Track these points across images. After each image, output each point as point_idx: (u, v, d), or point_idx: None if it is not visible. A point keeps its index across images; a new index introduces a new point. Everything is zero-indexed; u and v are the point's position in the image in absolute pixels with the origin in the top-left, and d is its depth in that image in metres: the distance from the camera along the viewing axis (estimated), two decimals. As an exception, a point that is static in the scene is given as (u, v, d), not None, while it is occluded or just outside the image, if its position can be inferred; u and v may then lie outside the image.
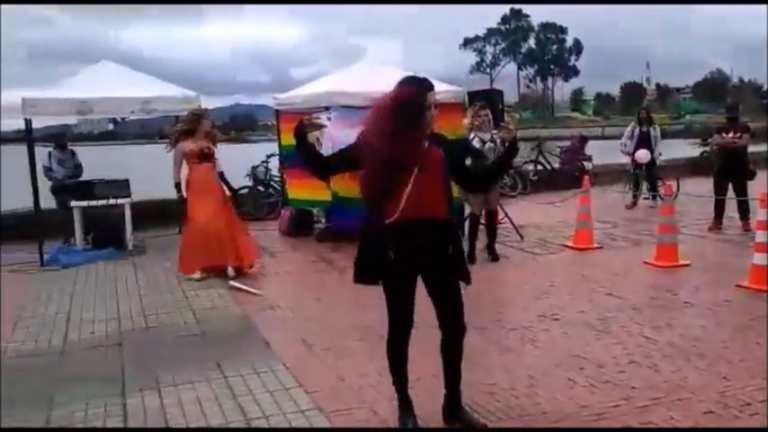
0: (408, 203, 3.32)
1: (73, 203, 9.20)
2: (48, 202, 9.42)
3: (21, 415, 3.99)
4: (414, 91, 3.36)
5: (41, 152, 9.35)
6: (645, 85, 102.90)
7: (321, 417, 3.86)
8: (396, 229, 3.35)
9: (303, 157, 3.64)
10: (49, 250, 8.76)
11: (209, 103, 9.47)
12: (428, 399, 3.78)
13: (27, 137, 8.74)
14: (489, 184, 3.76)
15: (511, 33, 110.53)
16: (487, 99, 9.48)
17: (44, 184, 9.60)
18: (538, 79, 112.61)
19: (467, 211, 8.40)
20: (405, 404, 3.65)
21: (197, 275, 7.34)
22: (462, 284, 3.58)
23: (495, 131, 7.96)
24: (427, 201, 3.37)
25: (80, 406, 4.09)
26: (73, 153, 10.10)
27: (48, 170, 9.66)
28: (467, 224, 8.17)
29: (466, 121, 7.98)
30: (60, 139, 10.15)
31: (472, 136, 7.81)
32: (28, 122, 8.56)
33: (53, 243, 9.17)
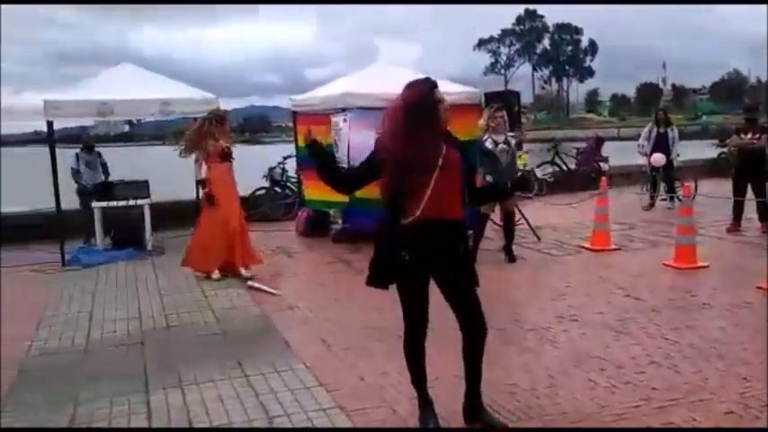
0: (429, 203, 3.37)
1: (93, 204, 9.33)
2: (70, 203, 9.52)
3: (46, 412, 4.05)
4: (423, 90, 3.44)
5: (63, 154, 9.46)
6: (661, 85, 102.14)
7: (342, 415, 3.89)
8: (412, 229, 3.39)
9: (329, 179, 3.67)
10: (70, 250, 8.87)
11: (224, 104, 9.52)
12: (448, 398, 3.81)
13: (49, 138, 8.85)
14: (483, 203, 3.78)
15: (525, 34, 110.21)
16: (504, 100, 9.49)
17: (71, 186, 9.74)
18: (553, 80, 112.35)
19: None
20: (425, 403, 3.69)
21: (216, 275, 7.41)
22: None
23: (510, 133, 7.98)
24: (446, 201, 3.42)
25: (104, 403, 4.16)
26: (99, 154, 10.23)
27: (76, 173, 9.80)
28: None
29: (481, 121, 7.97)
30: (87, 141, 10.26)
31: (485, 137, 7.81)
32: (50, 125, 8.66)
33: (75, 243, 9.28)
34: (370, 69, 10.64)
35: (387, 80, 9.31)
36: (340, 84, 10.16)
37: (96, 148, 10.35)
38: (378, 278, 3.53)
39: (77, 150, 10.07)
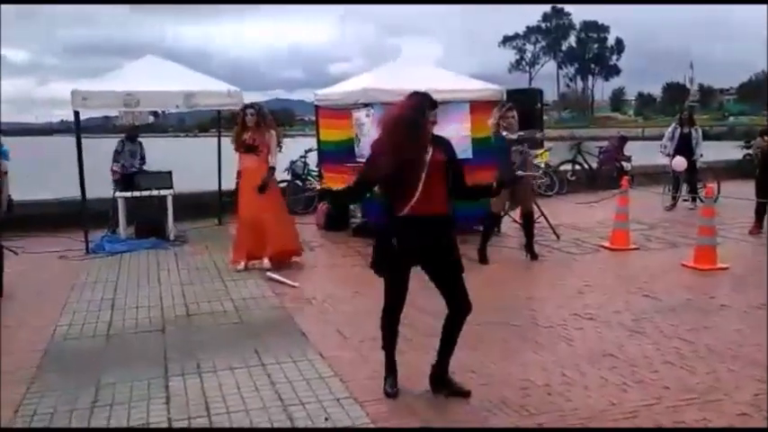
0: (418, 202, 3.80)
1: (117, 194, 9.49)
2: (96, 192, 9.67)
3: (69, 395, 4.16)
4: (416, 108, 3.82)
5: (88, 143, 9.61)
6: (688, 85, 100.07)
7: (356, 405, 3.96)
8: (403, 222, 3.84)
9: (350, 201, 4.48)
10: (94, 238, 9.04)
11: (248, 98, 9.60)
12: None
13: (76, 128, 9.00)
14: (474, 199, 4.13)
15: (551, 31, 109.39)
16: (527, 98, 9.49)
17: (98, 175, 9.90)
18: (578, 78, 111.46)
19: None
20: (390, 368, 4.16)
21: (241, 266, 7.53)
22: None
23: (521, 132, 7.95)
24: (433, 199, 3.83)
25: (125, 387, 4.26)
26: (140, 144, 10.39)
27: (117, 154, 10.01)
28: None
29: (491, 120, 7.95)
30: (131, 131, 10.42)
31: (504, 134, 7.80)
32: (77, 114, 8.82)
33: (99, 232, 9.46)
34: (392, 65, 10.67)
35: (409, 76, 9.39)
36: (362, 79, 10.21)
37: (139, 139, 10.51)
38: (378, 265, 3.99)
39: (122, 137, 10.26)
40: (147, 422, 3.79)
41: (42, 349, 5.02)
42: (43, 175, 15.64)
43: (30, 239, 9.13)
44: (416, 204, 3.80)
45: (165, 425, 3.75)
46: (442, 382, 4.09)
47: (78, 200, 9.17)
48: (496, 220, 8.31)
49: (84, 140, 8.90)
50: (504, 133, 7.72)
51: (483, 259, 7.71)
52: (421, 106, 3.83)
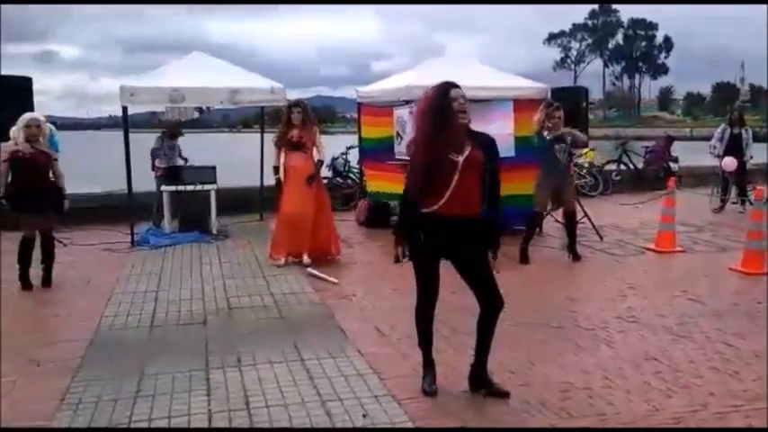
0: (449, 201, 3.75)
1: (163, 188, 9.66)
2: (141, 186, 9.86)
3: (113, 384, 4.25)
4: (436, 92, 3.79)
5: (134, 138, 9.80)
6: (738, 85, 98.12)
7: (393, 403, 3.95)
8: (431, 218, 3.79)
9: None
10: (139, 231, 9.22)
11: (291, 95, 9.68)
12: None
13: (124, 123, 9.19)
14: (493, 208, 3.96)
15: (598, 29, 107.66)
16: (571, 97, 9.36)
17: (144, 169, 10.09)
18: (624, 77, 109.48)
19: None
20: (428, 364, 4.15)
21: (281, 261, 7.60)
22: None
23: (561, 131, 7.84)
24: (465, 199, 3.76)
25: (167, 378, 4.33)
26: (179, 146, 10.53)
27: (156, 150, 10.17)
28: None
29: (536, 117, 7.85)
30: (172, 128, 10.60)
31: (546, 135, 7.70)
32: (125, 110, 9.00)
33: (144, 225, 9.66)
34: (435, 62, 10.63)
35: (452, 73, 9.32)
36: (406, 76, 10.20)
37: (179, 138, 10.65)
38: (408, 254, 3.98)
39: (160, 134, 10.43)
40: (189, 413, 3.84)
41: (88, 339, 5.14)
42: (91, 169, 15.99)
43: (77, 232, 9.36)
44: (445, 205, 3.76)
45: (205, 417, 3.81)
46: (480, 381, 4.06)
47: (125, 193, 9.37)
48: (539, 219, 8.21)
49: (131, 135, 9.07)
50: (546, 133, 7.64)
51: (524, 259, 7.64)
52: (442, 90, 3.77)
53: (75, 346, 4.97)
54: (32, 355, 4.78)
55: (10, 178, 6.55)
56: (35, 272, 6.73)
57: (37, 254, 6.72)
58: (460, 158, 3.75)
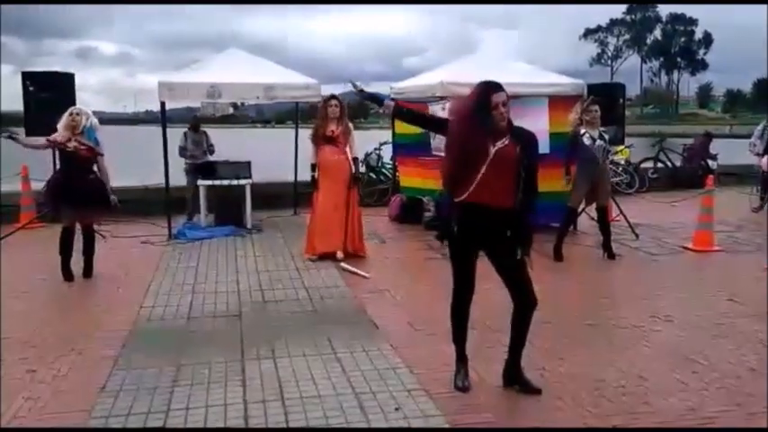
0: (477, 189, 3.79)
1: (199, 182, 9.81)
2: (177, 181, 10.01)
3: (152, 373, 4.35)
4: (478, 92, 3.80)
5: (171, 133, 9.97)
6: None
7: (425, 397, 3.98)
8: (462, 207, 3.85)
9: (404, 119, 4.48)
10: (176, 225, 9.38)
11: (325, 90, 9.73)
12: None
13: (162, 118, 9.35)
14: (523, 206, 3.91)
15: (636, 24, 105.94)
16: (608, 93, 9.25)
17: (180, 164, 10.26)
18: (662, 73, 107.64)
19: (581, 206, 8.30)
20: (460, 359, 4.19)
21: (315, 256, 7.68)
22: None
23: (602, 128, 7.77)
24: (495, 190, 3.78)
25: (203, 368, 4.42)
26: (205, 134, 10.70)
27: (182, 150, 10.34)
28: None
29: (573, 114, 7.78)
30: (193, 121, 10.77)
31: (583, 131, 7.63)
32: (163, 105, 9.16)
33: (181, 218, 9.83)
34: (469, 58, 10.61)
35: (487, 69, 9.27)
36: (439, 72, 10.18)
37: (202, 128, 10.82)
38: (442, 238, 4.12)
39: (185, 130, 10.60)
40: (225, 403, 3.92)
41: (128, 330, 5.26)
42: (130, 163, 16.27)
43: (117, 224, 9.55)
44: (474, 193, 3.79)
45: (241, 407, 3.87)
46: (513, 377, 4.08)
47: (161, 187, 9.53)
48: (573, 216, 8.16)
49: (168, 130, 9.22)
50: (582, 130, 7.58)
51: (558, 256, 7.59)
52: (483, 92, 3.78)
53: (116, 336, 5.09)
54: (75, 344, 4.91)
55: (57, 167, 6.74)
56: (77, 264, 6.90)
57: (78, 246, 6.89)
58: (493, 149, 3.77)
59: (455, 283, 4.07)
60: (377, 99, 4.53)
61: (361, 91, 4.62)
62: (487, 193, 3.77)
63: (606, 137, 7.77)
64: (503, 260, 3.93)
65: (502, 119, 3.78)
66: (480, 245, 3.95)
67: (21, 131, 7.35)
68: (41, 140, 6.73)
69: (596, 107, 7.63)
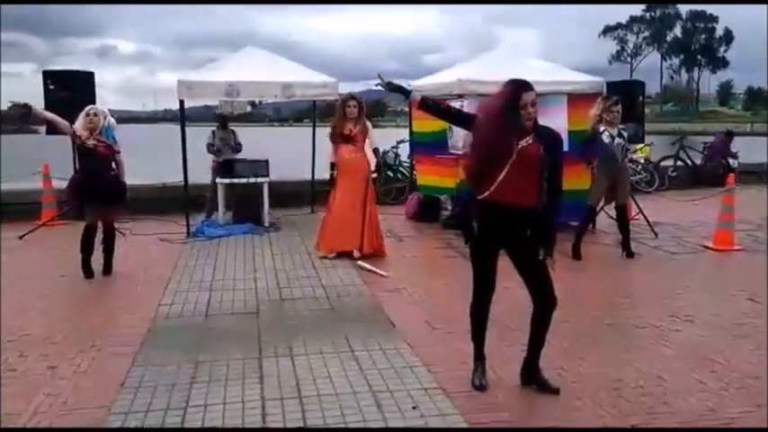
0: (500, 187, 3.76)
1: (218, 180, 9.87)
2: (196, 178, 10.08)
3: (170, 370, 4.39)
4: (510, 90, 3.78)
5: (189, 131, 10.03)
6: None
7: (442, 396, 3.97)
8: (484, 205, 3.83)
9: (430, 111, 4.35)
10: (194, 223, 9.45)
11: (342, 89, 9.76)
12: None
13: (181, 117, 9.41)
14: (547, 206, 3.89)
15: (656, 21, 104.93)
16: (627, 91, 9.18)
17: (199, 162, 10.32)
18: (683, 70, 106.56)
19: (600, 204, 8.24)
20: (478, 358, 4.18)
21: (332, 254, 7.69)
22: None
23: (621, 126, 7.71)
24: (517, 188, 3.74)
25: (221, 365, 4.44)
26: (233, 132, 10.76)
27: (210, 146, 10.44)
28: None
29: (594, 111, 7.72)
30: (222, 119, 10.84)
31: (602, 129, 7.58)
32: (182, 104, 9.21)
33: (199, 216, 9.90)
34: (488, 56, 10.57)
35: (505, 67, 9.22)
36: (457, 70, 10.16)
37: (230, 127, 10.89)
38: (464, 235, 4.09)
39: (214, 128, 10.67)
40: (243, 399, 3.93)
41: (146, 326, 5.30)
42: (148, 161, 16.41)
43: (136, 222, 9.64)
44: (496, 191, 3.76)
45: (258, 404, 3.89)
46: (532, 376, 4.07)
47: (180, 185, 9.60)
48: (592, 214, 8.09)
49: (187, 128, 9.28)
50: (602, 128, 7.53)
51: (576, 255, 7.54)
52: (513, 91, 3.75)
53: (135, 332, 5.14)
54: (95, 340, 4.96)
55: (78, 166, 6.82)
56: (97, 261, 6.98)
57: (98, 243, 6.96)
58: (517, 147, 3.74)
59: (475, 282, 4.05)
60: (404, 91, 4.51)
61: (389, 83, 4.60)
62: (510, 191, 3.74)
63: (625, 134, 7.72)
64: (524, 260, 3.90)
65: (529, 118, 3.76)
66: (500, 243, 3.93)
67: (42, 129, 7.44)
68: (67, 124, 6.79)
69: (619, 107, 7.58)
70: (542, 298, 3.91)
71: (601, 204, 8.31)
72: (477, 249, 3.98)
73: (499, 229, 3.86)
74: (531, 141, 3.78)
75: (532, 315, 3.98)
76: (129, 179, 7.12)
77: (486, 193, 3.80)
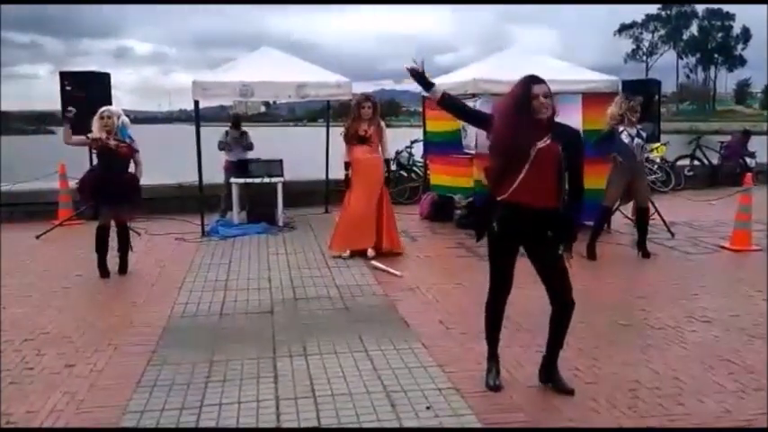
0: (519, 188, 3.74)
1: (232, 180, 9.91)
2: (210, 178, 10.12)
3: (186, 369, 4.41)
4: (519, 84, 3.79)
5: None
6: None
7: (457, 396, 3.96)
8: (504, 206, 3.80)
9: (449, 109, 4.25)
10: (209, 222, 9.49)
11: (356, 89, 9.77)
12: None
13: (196, 117, 9.45)
14: (568, 205, 3.91)
15: (672, 19, 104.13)
16: (643, 90, 9.11)
17: (214, 162, 10.37)
18: (699, 69, 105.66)
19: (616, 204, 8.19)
20: (492, 358, 4.16)
21: (346, 254, 7.70)
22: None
23: (639, 126, 7.65)
24: (536, 189, 3.72)
25: (236, 365, 4.46)
26: (245, 133, 10.81)
27: (221, 143, 10.51)
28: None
29: (613, 109, 7.63)
30: (236, 120, 10.89)
31: (621, 129, 7.51)
32: (197, 104, 9.25)
33: (214, 215, 9.95)
34: (502, 55, 10.54)
35: (519, 66, 9.18)
36: (471, 69, 10.14)
37: (243, 127, 10.94)
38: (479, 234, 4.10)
39: (227, 128, 10.73)
40: (257, 399, 3.95)
41: (162, 325, 5.33)
42: (163, 161, 16.52)
43: (151, 222, 9.70)
44: (515, 192, 3.74)
45: (273, 403, 3.90)
46: (549, 375, 4.06)
47: (195, 185, 9.65)
48: (608, 215, 8.02)
49: (201, 128, 9.32)
50: (621, 127, 7.47)
51: (591, 255, 7.50)
52: (523, 83, 3.76)
53: (150, 331, 5.17)
54: (111, 339, 4.99)
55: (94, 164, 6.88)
56: (113, 261, 7.03)
57: (114, 243, 7.01)
58: (534, 148, 3.71)
59: (492, 282, 4.03)
60: (429, 84, 4.26)
61: (415, 70, 4.28)
62: (529, 193, 3.72)
63: (644, 135, 7.65)
64: (544, 259, 3.89)
65: (542, 110, 3.70)
66: (520, 243, 3.92)
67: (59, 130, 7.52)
68: (82, 138, 6.88)
69: (639, 107, 7.52)
70: (561, 299, 3.89)
71: (616, 204, 8.26)
72: (495, 249, 3.95)
73: (519, 230, 3.84)
74: (548, 141, 3.74)
75: (551, 316, 3.96)
76: (145, 179, 7.17)
77: (506, 195, 3.78)
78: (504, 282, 3.99)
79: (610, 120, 7.57)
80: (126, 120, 6.98)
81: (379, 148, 7.80)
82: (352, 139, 7.74)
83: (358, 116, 7.73)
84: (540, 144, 3.73)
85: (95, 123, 6.76)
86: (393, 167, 12.47)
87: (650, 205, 8.07)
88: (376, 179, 7.77)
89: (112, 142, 6.71)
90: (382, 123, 7.87)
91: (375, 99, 7.97)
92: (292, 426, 3.65)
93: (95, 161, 7.12)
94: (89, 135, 6.79)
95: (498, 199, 3.82)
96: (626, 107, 7.50)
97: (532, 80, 3.76)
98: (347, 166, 7.89)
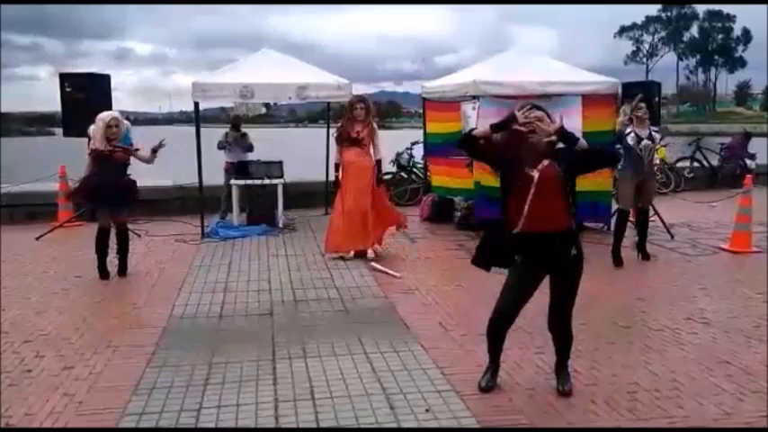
0: (528, 218, 3.68)
1: (232, 181, 9.92)
2: (210, 179, 10.13)
3: (185, 371, 4.41)
4: (503, 121, 3.77)
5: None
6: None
7: (456, 398, 3.96)
8: (522, 240, 3.74)
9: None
10: (209, 224, 9.49)
11: (356, 90, 9.78)
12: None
13: (196, 118, 9.45)
14: (599, 161, 4.00)
15: (672, 21, 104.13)
16: (644, 91, 9.11)
17: (215, 163, 10.38)
18: (699, 70, 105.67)
19: (614, 206, 8.16)
20: (492, 362, 4.12)
21: (350, 255, 7.71)
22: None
23: (653, 128, 7.64)
24: (544, 217, 3.68)
25: (236, 367, 4.46)
26: (245, 134, 10.81)
27: (221, 143, 10.49)
28: (614, 220, 7.89)
29: (621, 118, 7.59)
30: (235, 122, 10.90)
31: (629, 130, 7.47)
32: (197, 105, 9.26)
33: (214, 217, 9.94)
34: (502, 57, 10.53)
35: (520, 68, 9.24)
36: (472, 71, 10.14)
37: (243, 129, 10.93)
38: (483, 261, 4.00)
39: (227, 130, 10.74)
40: (256, 401, 3.95)
41: (161, 327, 5.34)
42: (163, 163, 16.53)
43: (151, 223, 9.71)
44: (526, 223, 3.69)
45: (271, 405, 3.90)
46: (556, 370, 4.10)
47: (195, 186, 9.65)
48: (625, 218, 7.87)
49: (201, 129, 9.32)
50: (628, 129, 7.43)
51: (617, 261, 7.40)
52: (506, 118, 3.75)
53: (149, 333, 5.17)
54: (110, 341, 4.99)
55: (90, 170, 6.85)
56: (113, 262, 7.03)
57: (114, 244, 7.01)
58: (535, 174, 3.68)
59: (504, 303, 3.94)
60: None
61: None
62: (538, 221, 3.68)
63: (657, 137, 7.60)
64: (560, 284, 3.87)
65: (529, 126, 3.67)
66: (545, 269, 3.85)
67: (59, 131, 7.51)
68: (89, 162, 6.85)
69: (643, 104, 7.49)
70: (558, 306, 3.91)
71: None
72: (521, 279, 3.87)
73: (545, 258, 3.78)
74: (546, 164, 3.70)
75: (549, 323, 4.00)
76: (146, 180, 7.17)
77: (519, 227, 3.72)
78: (518, 303, 3.93)
79: (619, 126, 7.53)
80: (128, 124, 6.99)
81: (371, 150, 7.81)
82: (345, 140, 7.74)
83: (351, 117, 7.74)
84: (539, 169, 3.68)
85: (100, 131, 6.70)
86: (393, 169, 12.57)
87: (650, 208, 8.04)
88: (367, 180, 7.78)
89: (107, 148, 6.68)
90: (375, 125, 7.88)
91: (368, 100, 7.99)
92: (291, 427, 3.65)
93: (93, 167, 7.03)
94: (96, 149, 6.73)
95: (514, 232, 3.76)
96: (630, 109, 7.46)
97: (521, 107, 3.76)
98: (337, 167, 7.90)
